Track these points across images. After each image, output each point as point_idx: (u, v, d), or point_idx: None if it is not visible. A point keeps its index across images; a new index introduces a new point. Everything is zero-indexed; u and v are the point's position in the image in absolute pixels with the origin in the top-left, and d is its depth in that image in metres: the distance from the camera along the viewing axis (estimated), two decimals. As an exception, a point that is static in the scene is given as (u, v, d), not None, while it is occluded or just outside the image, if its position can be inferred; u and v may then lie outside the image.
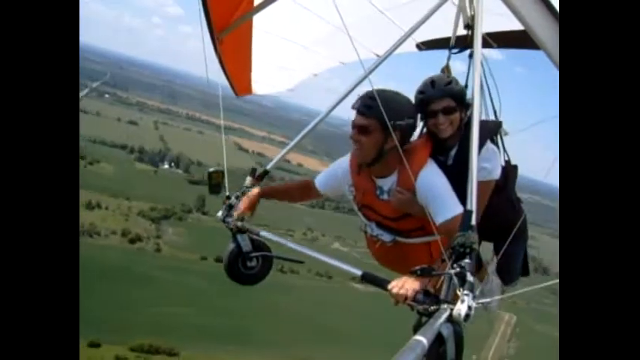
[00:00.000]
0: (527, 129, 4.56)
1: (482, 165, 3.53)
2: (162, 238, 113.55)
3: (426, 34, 5.36)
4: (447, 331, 2.48)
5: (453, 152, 3.81)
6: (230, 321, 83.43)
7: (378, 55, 4.74)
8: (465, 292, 2.52)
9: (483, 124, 3.37)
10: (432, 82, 3.79)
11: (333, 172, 4.17)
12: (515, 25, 3.20)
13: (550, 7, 2.81)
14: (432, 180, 3.53)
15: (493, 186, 3.72)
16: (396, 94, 3.58)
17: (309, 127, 4.35)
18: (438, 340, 2.43)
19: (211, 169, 4.25)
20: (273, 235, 4.17)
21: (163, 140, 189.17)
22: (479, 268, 3.81)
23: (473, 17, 4.00)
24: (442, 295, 2.65)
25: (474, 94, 3.29)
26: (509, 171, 4.05)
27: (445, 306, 2.56)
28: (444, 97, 3.71)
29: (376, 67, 4.10)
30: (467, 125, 3.70)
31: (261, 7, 4.59)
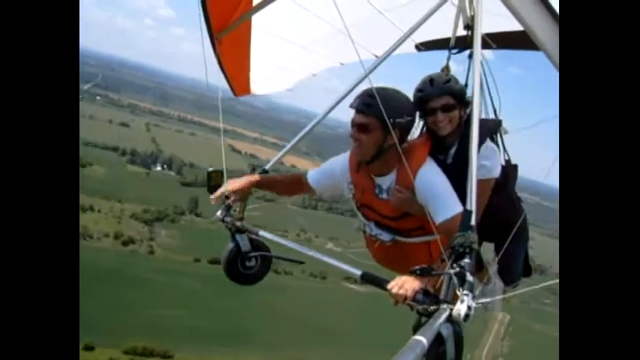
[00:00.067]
0: (525, 129, 4.58)
1: (482, 163, 3.53)
2: (155, 240, 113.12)
3: (425, 34, 5.35)
4: (447, 331, 2.47)
5: (452, 151, 3.81)
6: (224, 322, 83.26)
7: (377, 56, 4.74)
8: (465, 292, 2.51)
9: (483, 122, 3.36)
10: (430, 81, 3.80)
11: (328, 171, 4.15)
12: (515, 26, 3.20)
13: (550, 7, 2.80)
14: (430, 179, 3.52)
15: (493, 184, 3.72)
16: (396, 92, 3.58)
17: (309, 127, 4.33)
18: (438, 340, 2.43)
19: (210, 169, 4.23)
20: (272, 234, 4.16)
21: (155, 142, 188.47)
22: (480, 268, 3.80)
23: (473, 17, 4.00)
24: (442, 295, 2.64)
25: (473, 93, 3.29)
26: (510, 170, 4.06)
27: (445, 306, 2.55)
28: (442, 95, 3.72)
29: (375, 67, 4.09)
30: (466, 123, 3.71)
31: (260, 7, 4.57)
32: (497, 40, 4.97)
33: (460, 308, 2.48)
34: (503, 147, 4.08)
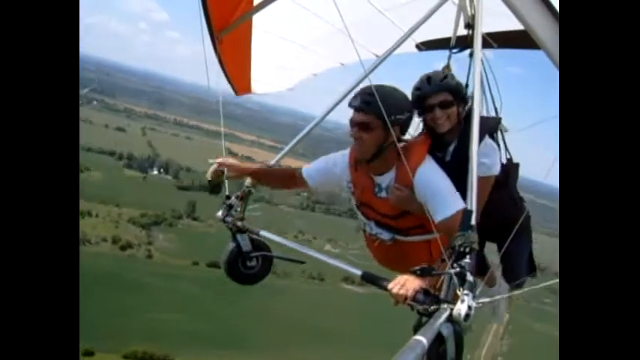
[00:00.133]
0: (525, 129, 4.58)
1: (481, 160, 3.52)
2: (153, 244, 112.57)
3: (425, 34, 5.37)
4: (447, 331, 2.48)
5: (451, 148, 3.81)
6: (223, 326, 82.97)
7: (377, 56, 4.74)
8: (465, 291, 2.52)
9: (482, 120, 3.36)
10: (428, 79, 3.82)
11: (324, 168, 4.15)
12: (516, 25, 3.21)
13: (550, 6, 2.82)
14: (430, 177, 3.52)
15: (493, 182, 3.72)
16: (393, 89, 3.59)
17: (308, 127, 4.35)
18: (438, 339, 2.44)
19: (211, 162, 4.25)
20: (273, 234, 4.16)
21: (152, 146, 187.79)
22: (485, 271, 3.80)
23: (473, 17, 4.01)
24: (442, 295, 2.64)
25: (474, 92, 3.30)
26: (510, 168, 4.06)
27: (445, 306, 2.56)
28: (440, 92, 3.73)
29: (375, 67, 4.10)
30: (465, 120, 3.72)
31: (261, 6, 4.60)
32: (498, 40, 4.98)
33: (460, 308, 2.48)
34: (505, 145, 4.08)
